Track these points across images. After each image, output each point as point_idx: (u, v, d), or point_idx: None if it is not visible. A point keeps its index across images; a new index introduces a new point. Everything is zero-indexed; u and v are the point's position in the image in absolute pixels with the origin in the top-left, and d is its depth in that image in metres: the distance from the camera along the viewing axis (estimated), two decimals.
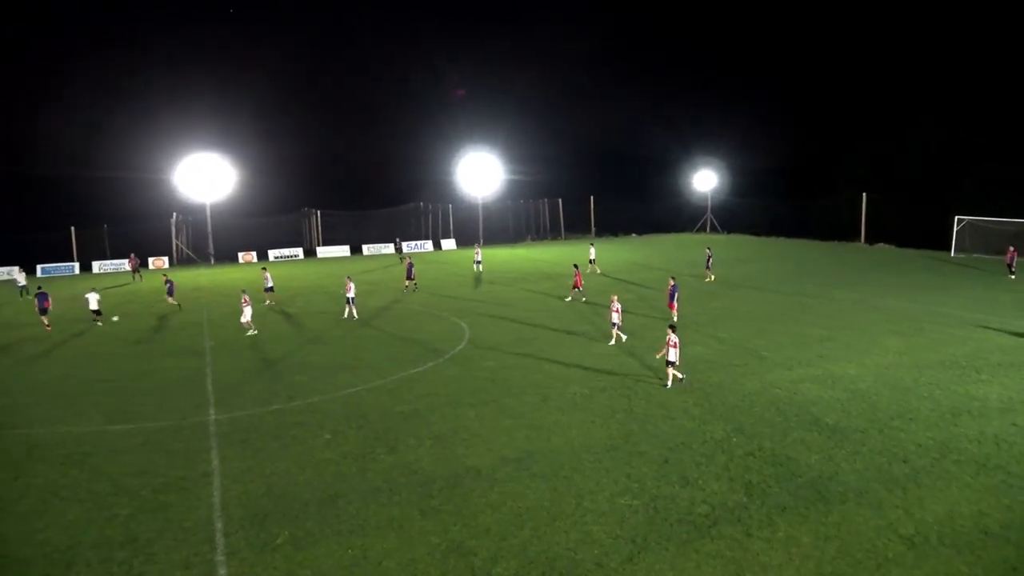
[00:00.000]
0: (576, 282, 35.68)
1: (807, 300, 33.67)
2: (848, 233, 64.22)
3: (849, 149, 74.32)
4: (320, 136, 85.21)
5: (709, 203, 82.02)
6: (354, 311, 32.59)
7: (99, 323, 33.40)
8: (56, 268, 60.84)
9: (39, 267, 60.37)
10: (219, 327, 31.89)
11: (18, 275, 45.87)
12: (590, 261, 47.28)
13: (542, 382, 21.14)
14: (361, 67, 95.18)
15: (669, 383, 20.14)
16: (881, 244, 60.85)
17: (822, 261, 50.45)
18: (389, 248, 70.15)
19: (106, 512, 13.43)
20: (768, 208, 72.38)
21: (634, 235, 78.96)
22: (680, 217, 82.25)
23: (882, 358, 22.80)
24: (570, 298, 35.62)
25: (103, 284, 47.61)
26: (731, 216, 79.63)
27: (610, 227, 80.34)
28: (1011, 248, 41.40)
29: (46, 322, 32.84)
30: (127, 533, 12.58)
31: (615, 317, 25.54)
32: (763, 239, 69.31)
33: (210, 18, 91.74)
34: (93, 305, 33.67)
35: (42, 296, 33.39)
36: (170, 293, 38.12)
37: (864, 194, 62.63)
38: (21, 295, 44.09)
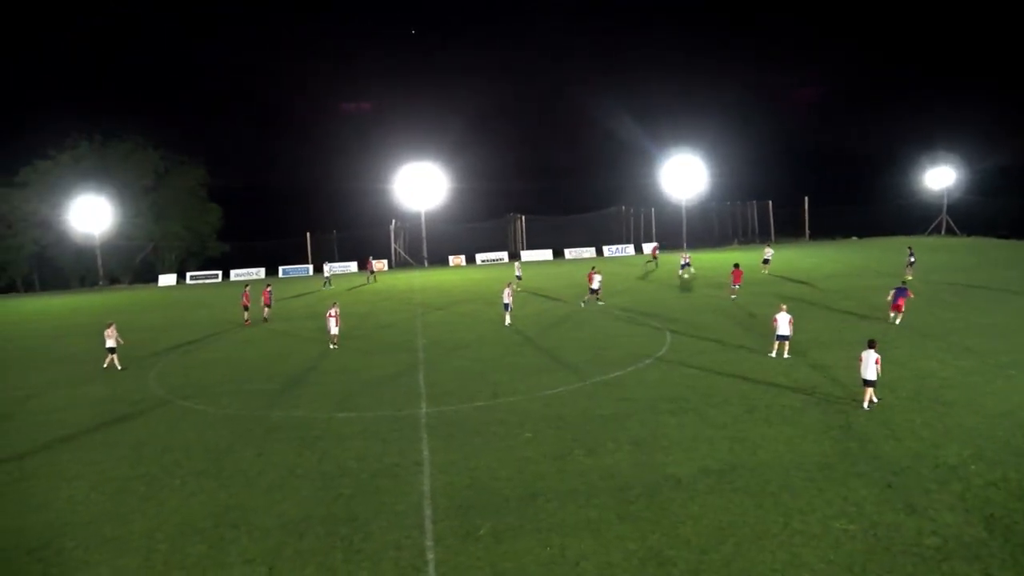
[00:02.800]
0: (734, 279, 37.16)
1: None
2: None
3: None
4: (525, 143, 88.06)
5: (945, 202, 73.57)
6: (507, 317, 32.81)
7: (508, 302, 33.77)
8: (294, 269, 68.11)
9: (280, 268, 67.98)
10: (431, 327, 33.91)
11: (326, 269, 60.12)
12: (764, 261, 46.96)
13: (748, 392, 20.15)
14: (564, 75, 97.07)
15: (866, 404, 18.22)
16: None
17: None
18: (590, 252, 70.62)
19: (332, 491, 14.75)
20: (1019, 207, 63.43)
21: (854, 238, 72.98)
22: (909, 218, 74.39)
23: None
24: (734, 296, 36.73)
25: (335, 286, 52.70)
26: (971, 217, 70.68)
27: (826, 230, 74.74)
28: None
29: (247, 317, 37.02)
30: (349, 512, 13.73)
31: (785, 328, 23.56)
32: (1012, 242, 60.95)
33: (422, 39, 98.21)
34: (509, 295, 33.67)
35: (244, 294, 37.69)
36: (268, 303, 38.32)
37: None
38: (324, 285, 53.61)
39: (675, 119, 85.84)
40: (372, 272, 58.56)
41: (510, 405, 20.16)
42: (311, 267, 69.08)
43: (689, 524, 12.54)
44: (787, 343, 23.77)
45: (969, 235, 68.92)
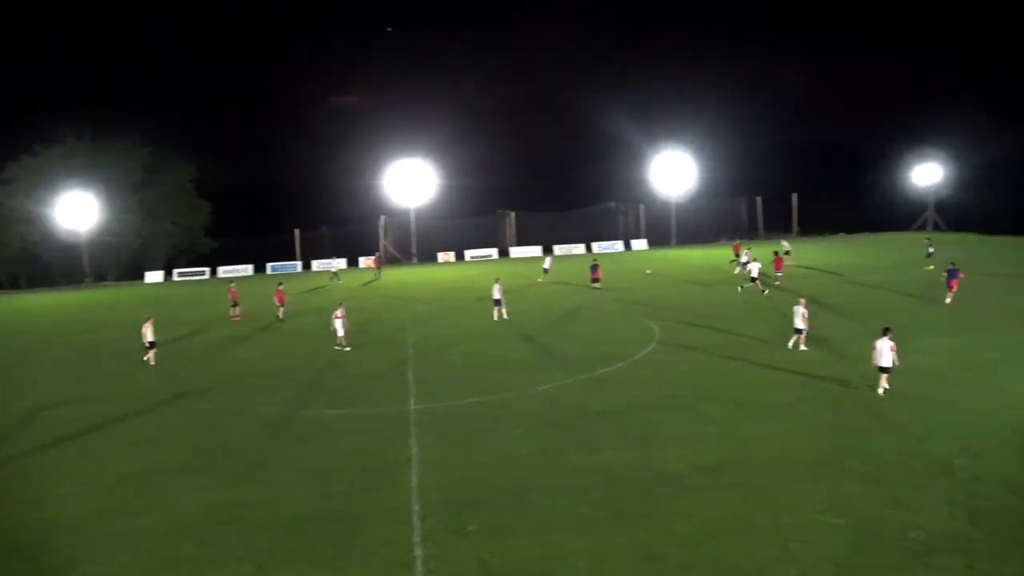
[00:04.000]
0: (777, 267, 39.92)
1: None
2: None
3: None
4: (516, 139, 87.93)
5: (932, 199, 74.09)
6: (503, 312, 33.01)
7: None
8: (283, 266, 67.82)
9: (269, 265, 67.66)
10: (422, 323, 33.87)
11: (335, 263, 59.33)
12: (785, 253, 47.49)
13: (739, 388, 20.24)
14: (555, 71, 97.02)
15: (880, 390, 18.70)
16: None
17: None
18: (580, 248, 70.73)
19: (323, 488, 14.72)
20: (1006, 203, 64.00)
21: (843, 234, 73.36)
22: (897, 215, 74.85)
23: None
24: (777, 282, 39.35)
25: (320, 283, 52.38)
26: (958, 213, 71.22)
27: (815, 226, 75.09)
28: None
29: (234, 314, 36.86)
30: (339, 508, 13.71)
31: (800, 322, 23.77)
32: (999, 238, 61.38)
33: (411, 33, 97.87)
34: (499, 290, 33.11)
35: (232, 292, 37.65)
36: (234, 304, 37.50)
37: None
38: (331, 279, 53.92)
39: (665, 115, 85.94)
40: (378, 268, 57.98)
41: (502, 401, 20.17)
42: (299, 264, 68.81)
43: (680, 520, 12.59)
44: (802, 336, 23.99)
45: (956, 231, 69.48)
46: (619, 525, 12.51)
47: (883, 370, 18.64)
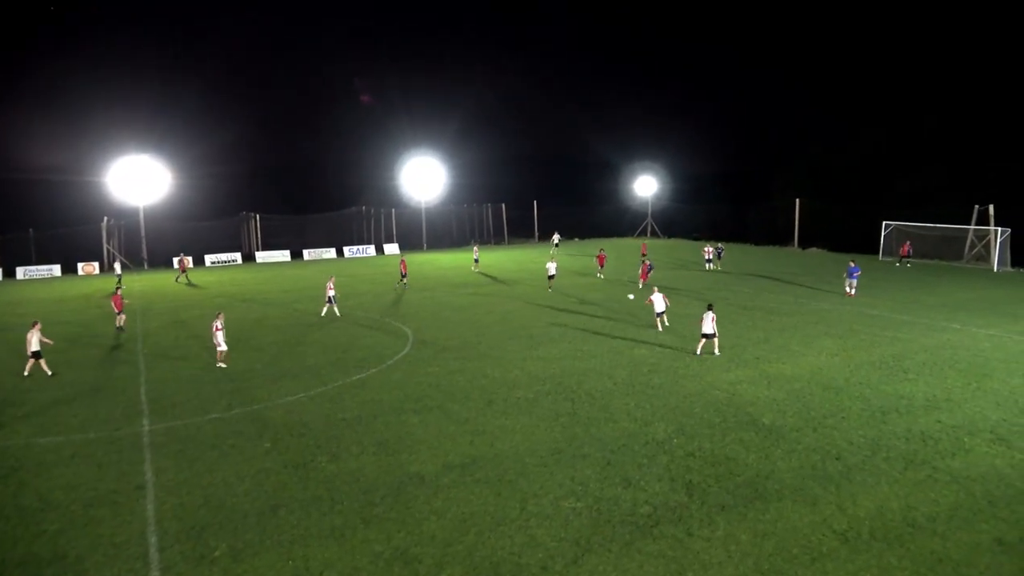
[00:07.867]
0: (600, 262, 45.62)
1: (744, 303, 34.52)
2: (783, 237, 66.14)
3: (786, 156, 76.92)
4: (261, 139, 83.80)
5: (649, 208, 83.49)
6: (335, 309, 33.72)
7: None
8: None
9: None
10: (153, 334, 30.90)
11: (117, 265, 52.51)
12: (555, 245, 57.55)
13: (486, 387, 21.13)
14: (304, 70, 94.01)
15: (708, 351, 23.90)
16: (813, 248, 62.86)
17: (758, 264, 51.80)
18: (331, 252, 69.21)
19: (33, 528, 12.87)
20: (707, 213, 74.15)
21: (576, 239, 79.70)
22: (622, 222, 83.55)
23: (816, 359, 23.54)
24: (601, 276, 45.28)
25: (30, 292, 45.56)
26: (671, 221, 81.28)
27: (553, 231, 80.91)
28: (906, 243, 51.02)
29: None
30: (55, 550, 12.08)
31: (660, 306, 27.94)
32: (702, 243, 70.81)
33: (144, 20, 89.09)
34: (331, 287, 34.14)
35: None
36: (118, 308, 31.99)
37: (797, 199, 64.59)
38: (117, 283, 46.29)
39: (415, 122, 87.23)
40: (184, 271, 51.97)
41: (248, 415, 19.10)
42: (0, 270, 59.34)
43: (433, 519, 12.86)
44: (662, 317, 28.32)
45: (669, 237, 78.83)
46: (372, 531, 12.47)
47: (706, 336, 23.80)
